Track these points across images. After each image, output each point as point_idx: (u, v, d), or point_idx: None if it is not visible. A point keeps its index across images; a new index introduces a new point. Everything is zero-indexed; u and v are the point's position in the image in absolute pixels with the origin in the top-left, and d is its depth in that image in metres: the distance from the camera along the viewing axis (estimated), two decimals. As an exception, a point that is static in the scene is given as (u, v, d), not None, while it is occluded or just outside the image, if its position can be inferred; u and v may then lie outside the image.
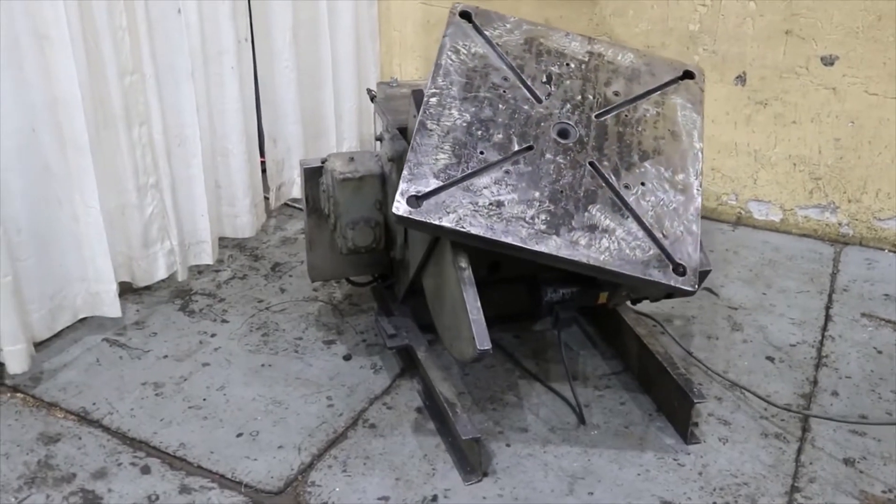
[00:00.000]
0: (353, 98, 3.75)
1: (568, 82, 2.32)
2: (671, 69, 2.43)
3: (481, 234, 2.02)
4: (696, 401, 2.25)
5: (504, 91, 2.26)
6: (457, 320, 2.10)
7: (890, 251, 3.31)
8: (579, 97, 2.29)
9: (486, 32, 2.35)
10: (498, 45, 2.33)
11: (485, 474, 2.18)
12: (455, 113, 2.18)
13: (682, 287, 2.08)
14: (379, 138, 2.61)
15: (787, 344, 2.73)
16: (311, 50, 3.47)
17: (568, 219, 2.08)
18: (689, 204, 2.18)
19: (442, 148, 2.12)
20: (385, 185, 2.44)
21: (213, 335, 2.77)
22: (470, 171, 2.10)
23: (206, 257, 3.09)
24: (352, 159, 2.46)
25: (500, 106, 2.23)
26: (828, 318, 2.88)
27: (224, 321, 2.84)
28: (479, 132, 2.17)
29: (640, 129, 2.27)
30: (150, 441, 2.30)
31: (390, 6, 3.95)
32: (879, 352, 2.69)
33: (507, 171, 2.12)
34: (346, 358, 2.66)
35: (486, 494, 2.12)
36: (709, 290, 3.01)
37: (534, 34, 2.40)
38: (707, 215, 3.59)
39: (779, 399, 2.45)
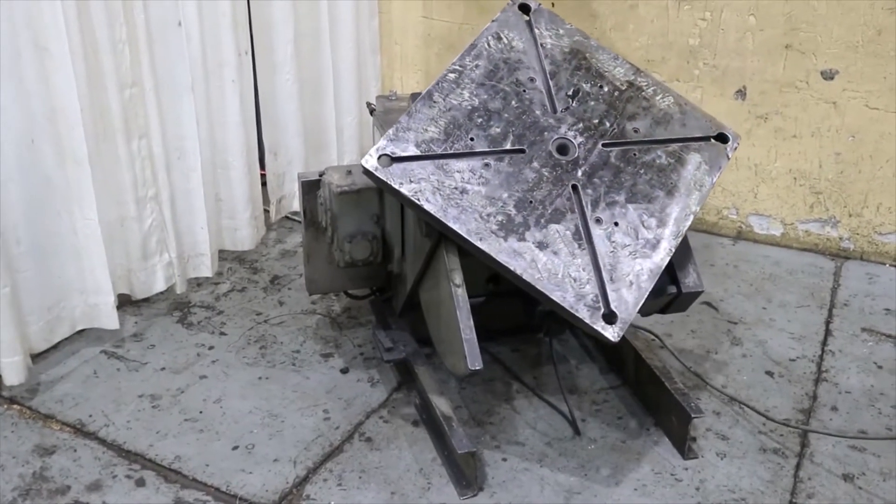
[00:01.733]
0: (353, 111, 3.76)
1: (592, 103, 2.27)
2: (705, 126, 2.32)
3: (432, 211, 2.03)
4: (693, 415, 2.23)
5: (524, 90, 2.23)
6: (451, 336, 2.10)
7: (891, 266, 3.30)
8: (596, 121, 2.24)
9: (536, 30, 2.31)
10: (542, 45, 2.29)
11: (480, 489, 2.16)
12: (466, 94, 2.18)
13: (605, 335, 2.00)
14: (377, 151, 2.61)
15: (787, 359, 2.72)
16: (313, 63, 3.49)
17: (523, 229, 2.06)
18: (652, 260, 2.11)
19: (436, 122, 2.13)
20: (383, 198, 2.44)
21: (210, 347, 2.77)
22: (451, 151, 2.11)
23: (206, 270, 3.09)
24: (349, 172, 2.46)
25: (513, 103, 2.21)
26: (828, 332, 2.87)
27: (222, 333, 2.84)
28: (480, 120, 2.16)
29: (641, 171, 2.20)
30: (145, 454, 2.29)
31: (391, 20, 3.97)
32: (880, 367, 2.68)
33: (486, 164, 2.12)
34: (344, 371, 2.65)
35: (482, 509, 2.11)
36: (708, 304, 3.00)
37: (582, 47, 2.35)
38: (707, 229, 3.58)
39: (778, 414, 2.44)
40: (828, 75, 3.19)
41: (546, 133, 2.20)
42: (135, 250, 2.84)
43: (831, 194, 3.33)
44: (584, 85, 2.29)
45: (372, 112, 2.81)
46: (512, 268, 2.02)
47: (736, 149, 2.34)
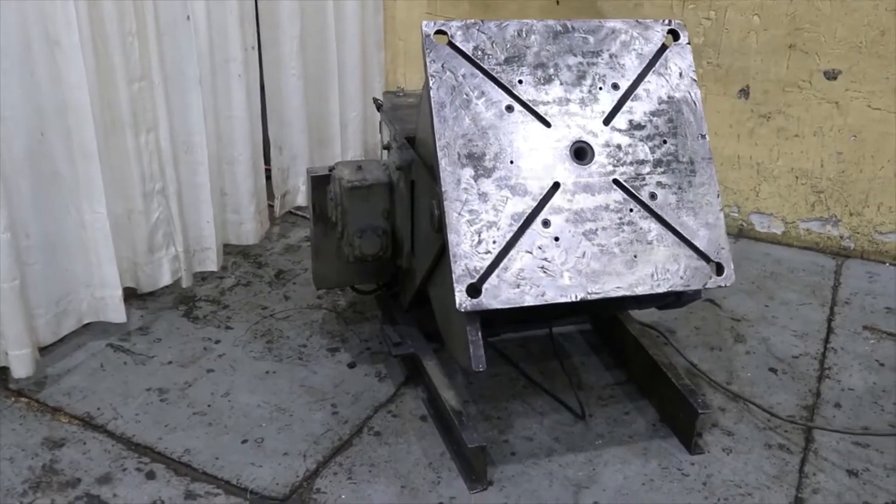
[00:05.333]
0: (358, 107, 3.77)
1: (571, 93, 2.19)
2: (653, 32, 2.25)
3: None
4: (700, 411, 2.25)
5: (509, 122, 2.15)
6: (458, 333, 2.12)
7: (891, 264, 3.33)
8: (579, 105, 2.18)
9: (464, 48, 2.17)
10: (481, 63, 2.16)
11: (490, 483, 2.18)
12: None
13: (725, 284, 2.17)
14: (386, 147, 2.62)
15: (790, 356, 2.74)
16: (318, 58, 3.49)
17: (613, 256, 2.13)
18: (707, 199, 2.19)
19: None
20: (393, 193, 2.45)
21: (217, 342, 2.77)
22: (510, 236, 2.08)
23: (211, 264, 3.10)
24: (360, 168, 2.47)
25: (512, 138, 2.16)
26: (830, 330, 2.90)
27: (228, 328, 2.85)
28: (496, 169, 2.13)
29: (647, 128, 2.20)
30: (154, 447, 2.30)
31: (396, 16, 3.98)
32: (881, 364, 2.70)
33: (545, 222, 2.11)
34: (351, 366, 2.66)
35: (492, 503, 2.12)
36: (711, 301, 3.02)
37: (518, 50, 2.20)
38: (709, 227, 3.61)
39: (782, 410, 2.46)
40: (831, 75, 3.21)
41: (559, 151, 2.13)
42: (141, 244, 2.85)
43: (832, 193, 3.36)
44: (552, 84, 2.18)
45: (379, 108, 2.81)
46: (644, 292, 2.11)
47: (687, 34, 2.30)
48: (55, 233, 2.57)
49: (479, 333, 2.07)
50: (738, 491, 2.17)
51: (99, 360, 2.66)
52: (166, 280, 2.96)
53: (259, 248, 3.37)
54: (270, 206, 3.53)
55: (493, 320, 2.22)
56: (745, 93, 3.37)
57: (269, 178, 3.51)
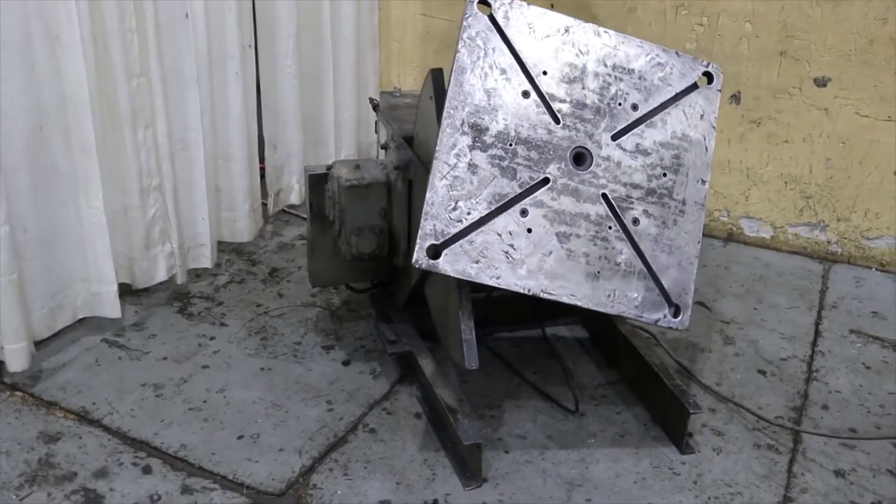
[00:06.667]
0: (352, 106, 3.79)
1: (588, 100, 2.21)
2: (689, 69, 2.28)
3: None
4: (692, 411, 2.29)
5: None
6: (453, 331, 2.16)
7: (877, 270, 3.38)
8: (593, 115, 2.20)
9: (508, 32, 2.17)
10: (519, 50, 2.18)
11: (485, 480, 2.21)
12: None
13: (678, 328, 2.25)
14: (384, 147, 2.64)
15: (779, 358, 2.79)
16: (314, 57, 3.51)
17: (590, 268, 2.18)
18: (689, 243, 2.24)
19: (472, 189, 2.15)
20: (390, 193, 2.47)
21: (212, 338, 2.78)
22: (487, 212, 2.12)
23: (205, 261, 3.11)
24: (358, 167, 2.49)
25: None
26: (817, 333, 2.94)
27: (223, 324, 2.86)
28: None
29: (650, 153, 2.22)
30: (150, 441, 2.31)
31: (390, 16, 4.00)
32: (868, 367, 2.75)
33: (523, 211, 2.15)
34: (346, 363, 2.68)
35: (486, 500, 2.15)
36: (701, 304, 3.06)
37: (560, 40, 2.21)
38: (699, 231, 3.65)
39: (771, 411, 2.50)
40: (820, 82, 3.26)
41: (560, 149, 2.16)
42: (137, 240, 2.85)
43: (821, 199, 3.41)
44: (575, 85, 2.19)
45: (375, 108, 2.84)
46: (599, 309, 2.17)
47: (721, 80, 2.33)
48: (52, 227, 2.57)
49: (473, 332, 2.10)
50: (728, 490, 2.21)
51: (94, 354, 2.67)
52: (161, 276, 2.97)
53: (253, 245, 3.38)
54: (264, 205, 3.54)
55: (487, 319, 2.25)
56: (736, 98, 3.41)
57: (262, 176, 3.52)
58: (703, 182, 2.27)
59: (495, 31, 2.13)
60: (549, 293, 2.10)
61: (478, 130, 2.09)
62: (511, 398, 2.53)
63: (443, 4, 3.86)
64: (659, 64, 2.25)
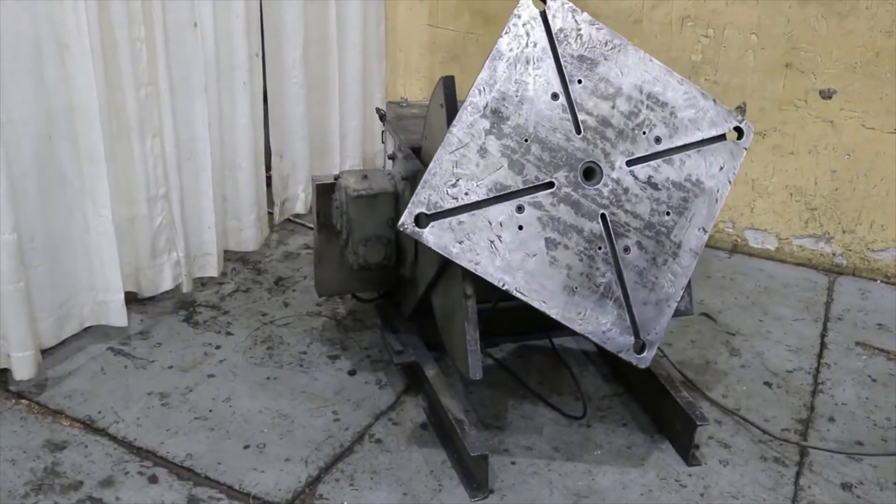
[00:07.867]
0: (357, 116, 3.80)
1: (614, 118, 2.20)
2: (722, 119, 2.29)
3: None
4: (699, 424, 2.29)
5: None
6: (458, 342, 2.17)
7: (883, 282, 3.38)
8: (615, 137, 2.19)
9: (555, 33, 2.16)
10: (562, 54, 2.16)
11: (491, 491, 2.20)
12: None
13: (638, 364, 2.22)
14: (391, 157, 2.65)
15: (784, 370, 2.78)
16: (320, 68, 3.52)
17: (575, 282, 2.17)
18: (675, 283, 2.23)
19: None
20: (398, 203, 2.48)
21: (217, 347, 2.78)
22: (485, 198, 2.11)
23: (211, 270, 3.11)
24: (365, 177, 2.49)
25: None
26: (823, 345, 2.94)
27: (229, 333, 2.86)
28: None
29: (662, 191, 2.22)
30: (156, 451, 2.31)
31: (397, 27, 4.01)
32: (874, 380, 2.75)
33: (519, 207, 2.14)
34: (351, 373, 2.68)
35: (493, 511, 2.15)
36: (707, 315, 3.06)
37: (596, 54, 2.20)
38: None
39: (777, 423, 2.50)
40: (826, 95, 3.27)
41: (573, 159, 2.15)
42: (144, 248, 2.86)
43: (826, 211, 3.41)
44: (605, 102, 2.18)
45: (382, 118, 2.84)
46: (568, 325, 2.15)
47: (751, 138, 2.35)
48: (60, 236, 2.57)
49: (478, 343, 2.10)
50: (734, 502, 2.21)
51: (100, 363, 2.67)
52: (167, 285, 2.97)
53: (258, 254, 3.39)
54: (269, 214, 3.55)
55: (493, 330, 2.25)
56: (741, 110, 3.41)
57: (268, 185, 3.53)
58: (704, 231, 2.26)
59: (543, 28, 2.13)
60: (521, 293, 2.10)
61: (498, 117, 2.09)
62: (517, 409, 2.53)
63: (449, 15, 3.88)
64: (693, 105, 2.24)
